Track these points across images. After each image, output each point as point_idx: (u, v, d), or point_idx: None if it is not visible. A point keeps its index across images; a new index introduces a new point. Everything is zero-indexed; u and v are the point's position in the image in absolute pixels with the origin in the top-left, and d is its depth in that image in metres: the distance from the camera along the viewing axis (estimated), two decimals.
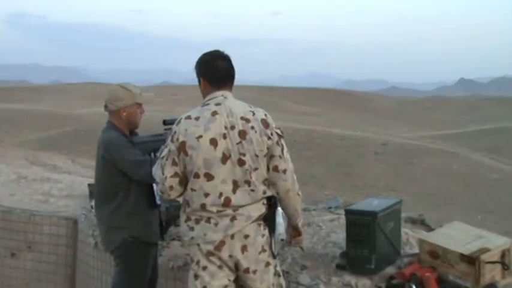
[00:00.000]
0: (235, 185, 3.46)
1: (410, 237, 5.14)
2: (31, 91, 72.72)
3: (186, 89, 78.63)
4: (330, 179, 21.98)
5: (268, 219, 3.58)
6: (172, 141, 3.55)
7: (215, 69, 3.65)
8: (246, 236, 3.46)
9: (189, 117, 3.55)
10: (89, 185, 7.16)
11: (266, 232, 3.56)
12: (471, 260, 4.14)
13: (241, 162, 3.44)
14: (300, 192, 3.71)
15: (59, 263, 6.74)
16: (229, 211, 3.45)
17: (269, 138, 3.53)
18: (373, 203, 4.62)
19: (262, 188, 3.51)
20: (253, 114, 3.56)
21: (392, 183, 21.30)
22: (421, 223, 6.74)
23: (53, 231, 6.90)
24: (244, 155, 3.44)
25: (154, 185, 4.47)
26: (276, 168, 3.55)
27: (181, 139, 3.49)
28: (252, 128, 3.49)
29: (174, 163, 3.53)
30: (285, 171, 3.57)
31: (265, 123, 3.56)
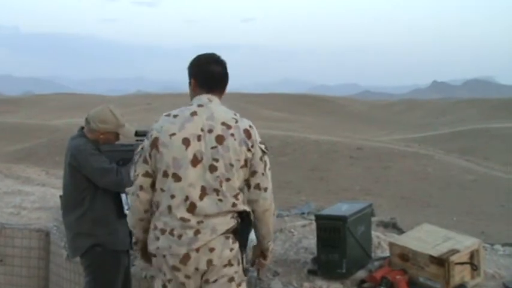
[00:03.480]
0: (203, 192, 3.28)
1: (382, 241, 5.18)
2: (4, 103, 71.98)
3: (160, 97, 78.39)
4: (305, 185, 22.01)
5: (240, 234, 3.37)
6: (147, 137, 3.43)
7: (208, 72, 3.52)
8: (212, 250, 3.28)
9: (168, 115, 3.45)
10: (61, 196, 7.10)
11: (235, 246, 3.35)
12: (441, 262, 4.18)
13: (212, 168, 3.28)
14: (275, 213, 3.61)
15: (32, 275, 6.68)
16: (193, 222, 3.28)
17: (249, 149, 3.35)
18: (343, 208, 4.64)
19: (232, 200, 3.32)
20: (236, 121, 3.39)
21: (368, 187, 21.38)
22: (392, 226, 6.80)
23: (25, 243, 6.84)
24: (217, 160, 3.28)
25: (123, 194, 4.48)
26: (257, 186, 3.40)
27: (155, 135, 3.37)
28: (232, 135, 3.32)
29: (145, 161, 3.40)
30: (266, 189, 3.42)
31: (248, 134, 3.38)
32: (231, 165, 3.31)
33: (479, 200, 19.36)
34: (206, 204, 3.29)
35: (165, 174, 3.33)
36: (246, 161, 3.35)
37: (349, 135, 38.19)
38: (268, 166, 3.46)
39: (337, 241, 4.41)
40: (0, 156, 25.39)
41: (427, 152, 29.07)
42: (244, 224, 3.39)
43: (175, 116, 3.42)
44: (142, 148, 3.45)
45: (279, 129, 37.39)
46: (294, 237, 5.34)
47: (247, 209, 3.40)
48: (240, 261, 3.39)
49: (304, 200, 16.78)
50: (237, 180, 3.34)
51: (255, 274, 4.64)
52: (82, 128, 4.57)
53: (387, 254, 4.72)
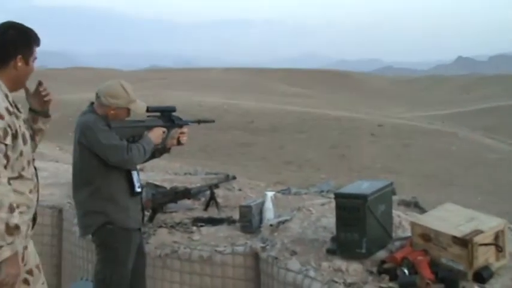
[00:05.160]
0: None
1: (403, 220, 5.15)
2: None
3: (175, 72, 78.43)
4: (325, 162, 22.03)
5: None
6: None
7: None
8: None
9: None
10: None
11: None
12: (464, 243, 4.15)
13: None
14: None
15: (44, 253, 6.73)
16: None
17: None
18: (363, 186, 4.61)
19: None
20: None
21: (389, 165, 21.37)
22: (414, 206, 6.76)
23: (37, 221, 6.89)
24: None
25: (134, 172, 4.48)
26: None
27: None
28: None
29: None
30: None
31: None
32: None
33: (504, 179, 19.27)
34: None
35: None
36: None
37: (370, 112, 38.08)
38: None
39: (356, 220, 4.39)
40: None
41: (451, 130, 28.94)
42: None
43: None
44: None
45: (297, 105, 37.32)
46: (312, 215, 5.33)
47: None
48: None
49: (323, 178, 16.81)
50: None
51: (272, 253, 4.65)
52: (92, 103, 4.55)
53: (408, 234, 4.70)
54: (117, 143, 4.31)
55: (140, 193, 4.60)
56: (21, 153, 3.22)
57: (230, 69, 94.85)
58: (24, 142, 3.27)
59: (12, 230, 3.02)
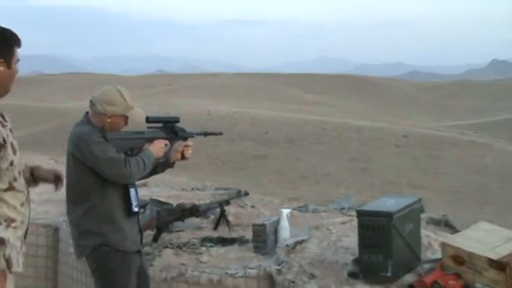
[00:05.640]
0: None
1: (433, 241, 5.13)
2: None
3: (181, 78, 78.69)
4: (345, 176, 21.97)
5: None
6: None
7: None
8: None
9: None
10: None
11: None
12: (501, 266, 4.13)
13: None
14: None
15: (39, 276, 6.75)
16: None
17: None
18: (389, 203, 4.61)
19: None
20: None
21: (416, 180, 21.28)
22: (445, 224, 6.73)
23: (31, 240, 6.90)
24: None
25: (132, 189, 4.46)
26: None
27: None
28: None
29: None
30: None
31: None
32: None
33: None
34: None
35: None
36: None
37: (394, 121, 38.01)
38: None
39: (381, 240, 4.38)
40: None
41: (485, 141, 28.83)
42: None
43: None
44: None
45: (314, 114, 37.32)
46: (332, 235, 5.33)
47: None
48: None
49: (343, 194, 16.75)
50: None
51: (289, 277, 4.64)
52: (87, 113, 4.54)
53: (439, 255, 4.68)
54: (113, 155, 4.29)
55: (137, 213, 4.58)
56: (11, 163, 3.24)
57: (240, 74, 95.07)
58: (14, 152, 3.29)
59: None
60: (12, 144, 3.29)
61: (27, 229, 3.45)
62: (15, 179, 3.28)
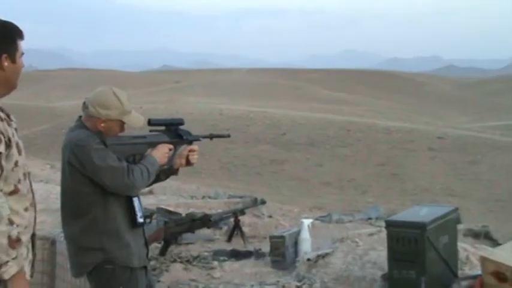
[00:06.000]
0: None
1: (471, 255, 5.13)
2: None
3: (191, 74, 78.85)
4: (372, 183, 21.96)
5: None
6: None
7: None
8: None
9: None
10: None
11: None
12: None
13: None
14: None
15: None
16: None
17: None
18: (421, 212, 4.61)
19: None
20: None
21: (452, 187, 21.23)
22: (484, 237, 6.72)
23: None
24: None
25: (135, 198, 4.45)
26: None
27: None
28: None
29: None
30: None
31: None
32: None
33: None
34: None
35: None
36: None
37: (428, 121, 37.91)
38: None
39: (413, 254, 4.38)
40: None
41: None
42: None
43: None
44: None
45: (339, 114, 37.29)
46: (358, 248, 5.33)
47: None
48: None
49: (371, 202, 16.72)
50: None
51: None
52: (80, 117, 4.53)
53: (478, 271, 4.67)
54: (115, 164, 4.26)
55: (143, 224, 4.57)
56: (16, 164, 3.30)
57: (256, 69, 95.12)
58: (19, 152, 3.35)
59: (14, 243, 3.11)
60: (17, 144, 3.35)
61: (34, 235, 3.50)
62: (19, 181, 3.33)
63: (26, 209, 3.37)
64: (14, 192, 3.29)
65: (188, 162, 4.79)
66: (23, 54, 3.52)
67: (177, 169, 4.80)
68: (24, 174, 3.40)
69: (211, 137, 5.18)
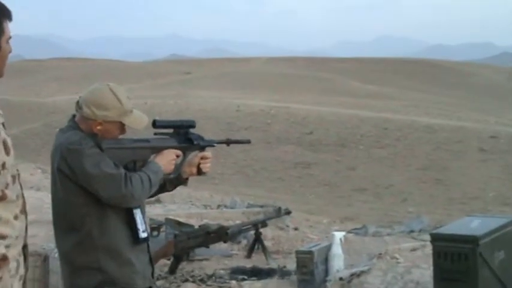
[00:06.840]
0: None
1: None
2: None
3: (202, 64, 78.95)
4: (414, 190, 21.93)
5: None
6: None
7: None
8: None
9: None
10: None
11: None
12: None
13: None
14: None
15: None
16: None
17: None
18: (473, 224, 4.60)
19: None
20: None
21: (506, 194, 21.15)
22: None
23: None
24: None
25: (136, 210, 4.42)
26: None
27: None
28: None
29: None
30: None
31: None
32: None
33: None
34: None
35: None
36: None
37: (478, 119, 37.76)
38: None
39: (464, 273, 4.38)
40: None
41: None
42: None
43: None
44: None
45: (373, 110, 37.24)
46: (399, 265, 5.33)
47: None
48: None
49: (412, 212, 16.70)
50: None
51: None
52: (74, 116, 4.50)
53: None
54: (111, 171, 4.21)
55: (146, 239, 4.56)
56: (3, 166, 3.24)
57: (278, 58, 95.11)
58: (7, 151, 3.28)
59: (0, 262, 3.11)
60: (5, 142, 3.27)
61: (26, 246, 3.49)
62: (6, 186, 3.26)
63: (15, 217, 3.31)
64: (2, 198, 3.23)
65: (200, 171, 4.71)
66: (10, 37, 3.49)
67: (187, 179, 4.74)
68: (13, 177, 3.32)
69: (227, 142, 5.09)
